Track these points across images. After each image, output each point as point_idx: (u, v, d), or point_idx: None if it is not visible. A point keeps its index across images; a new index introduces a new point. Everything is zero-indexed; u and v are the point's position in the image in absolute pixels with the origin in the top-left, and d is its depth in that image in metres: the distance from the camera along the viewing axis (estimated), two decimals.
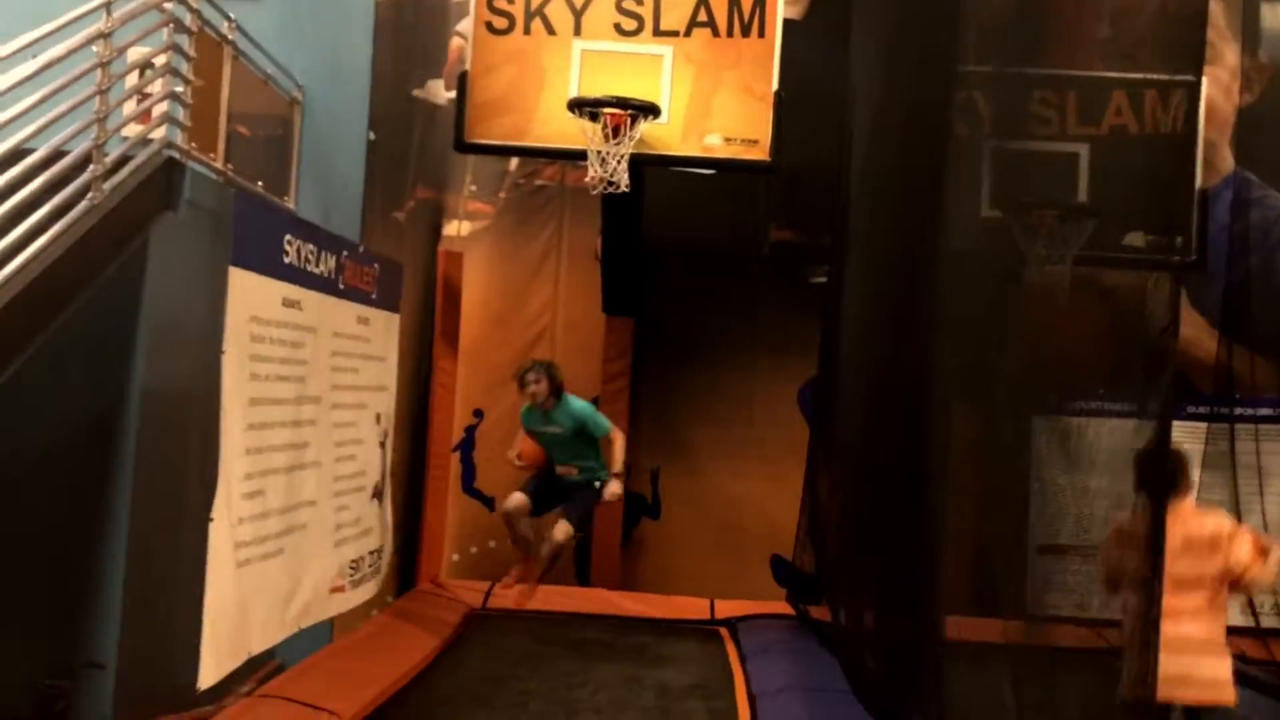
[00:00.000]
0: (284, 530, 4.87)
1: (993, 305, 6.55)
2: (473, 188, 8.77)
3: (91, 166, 4.51)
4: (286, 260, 4.83)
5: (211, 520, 4.13)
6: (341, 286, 5.59)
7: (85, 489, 4.93)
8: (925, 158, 5.08)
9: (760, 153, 6.43)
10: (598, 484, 6.41)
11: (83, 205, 4.52)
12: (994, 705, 4.47)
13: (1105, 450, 8.29)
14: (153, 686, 5.01)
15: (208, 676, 4.10)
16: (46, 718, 4.78)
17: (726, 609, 7.81)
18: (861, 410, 6.26)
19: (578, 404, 6.49)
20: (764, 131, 6.41)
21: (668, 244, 8.07)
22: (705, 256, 8.28)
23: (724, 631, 7.49)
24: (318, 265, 5.21)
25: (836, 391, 6.96)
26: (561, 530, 6.30)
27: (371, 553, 6.22)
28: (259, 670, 5.70)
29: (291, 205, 6.49)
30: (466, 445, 8.73)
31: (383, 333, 6.36)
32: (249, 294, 4.42)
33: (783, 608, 7.82)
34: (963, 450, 5.11)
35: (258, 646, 4.61)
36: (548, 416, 6.39)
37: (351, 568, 5.88)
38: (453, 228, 8.68)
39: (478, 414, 8.75)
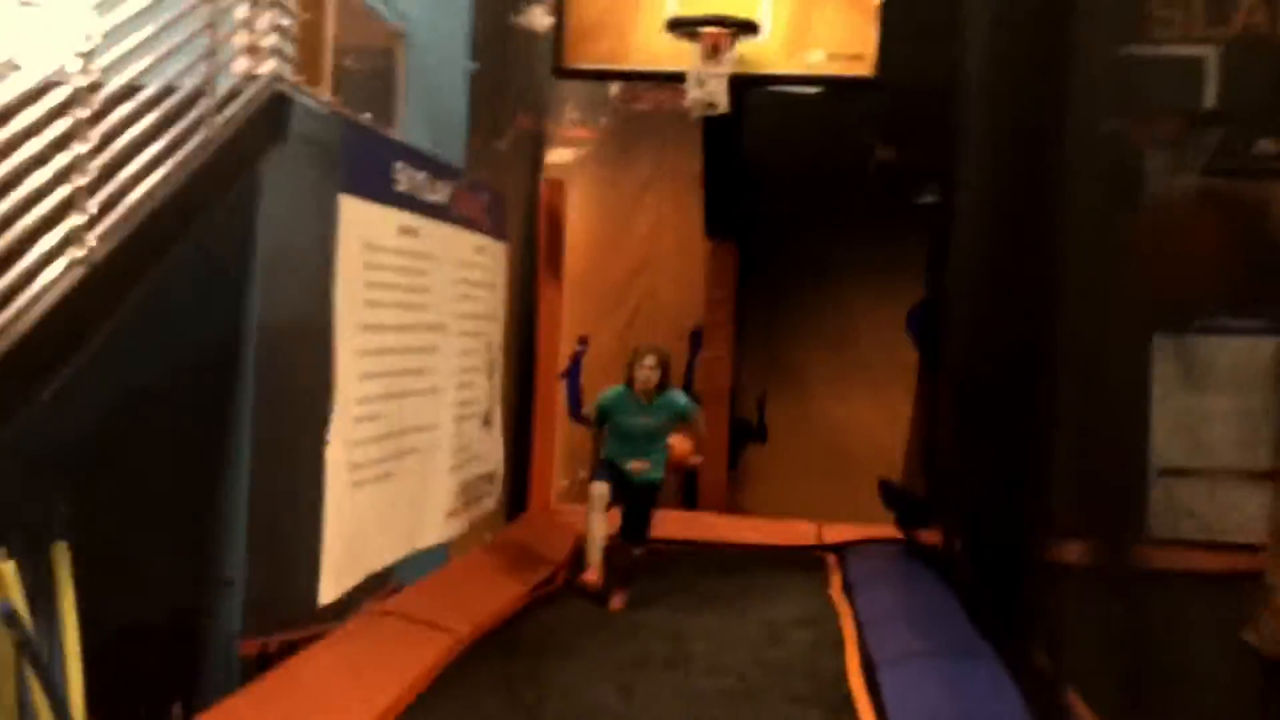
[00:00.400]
0: (400, 454, 4.99)
1: (1115, 219, 6.28)
2: (574, 115, 8.74)
3: (203, 101, 4.56)
4: (398, 188, 4.87)
5: (328, 443, 4.24)
6: (455, 215, 5.64)
7: (209, 415, 5.11)
8: (1044, 66, 4.87)
9: (865, 68, 6.25)
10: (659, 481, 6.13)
11: (196, 140, 4.56)
12: (1112, 632, 4.38)
13: (1231, 370, 7.98)
14: (278, 603, 5.22)
15: (327, 593, 4.24)
16: (181, 632, 5.02)
17: (834, 534, 7.78)
18: (975, 331, 6.11)
19: (680, 396, 6.18)
20: (869, 46, 6.22)
21: (771, 166, 7.94)
22: (810, 178, 8.12)
23: (831, 557, 7.47)
24: (431, 193, 5.25)
25: (947, 313, 6.80)
26: (639, 550, 6.12)
27: (483, 477, 6.35)
28: (378, 590, 5.89)
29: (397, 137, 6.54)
30: (572, 372, 8.80)
31: (494, 261, 6.42)
32: (361, 221, 4.48)
33: (891, 532, 7.75)
34: (1081, 370, 4.95)
35: (376, 565, 4.75)
36: (647, 408, 5.96)
37: (466, 492, 6.02)
38: (554, 156, 8.67)
39: (583, 341, 8.80)
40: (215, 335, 5.11)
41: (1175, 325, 7.98)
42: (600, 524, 5.91)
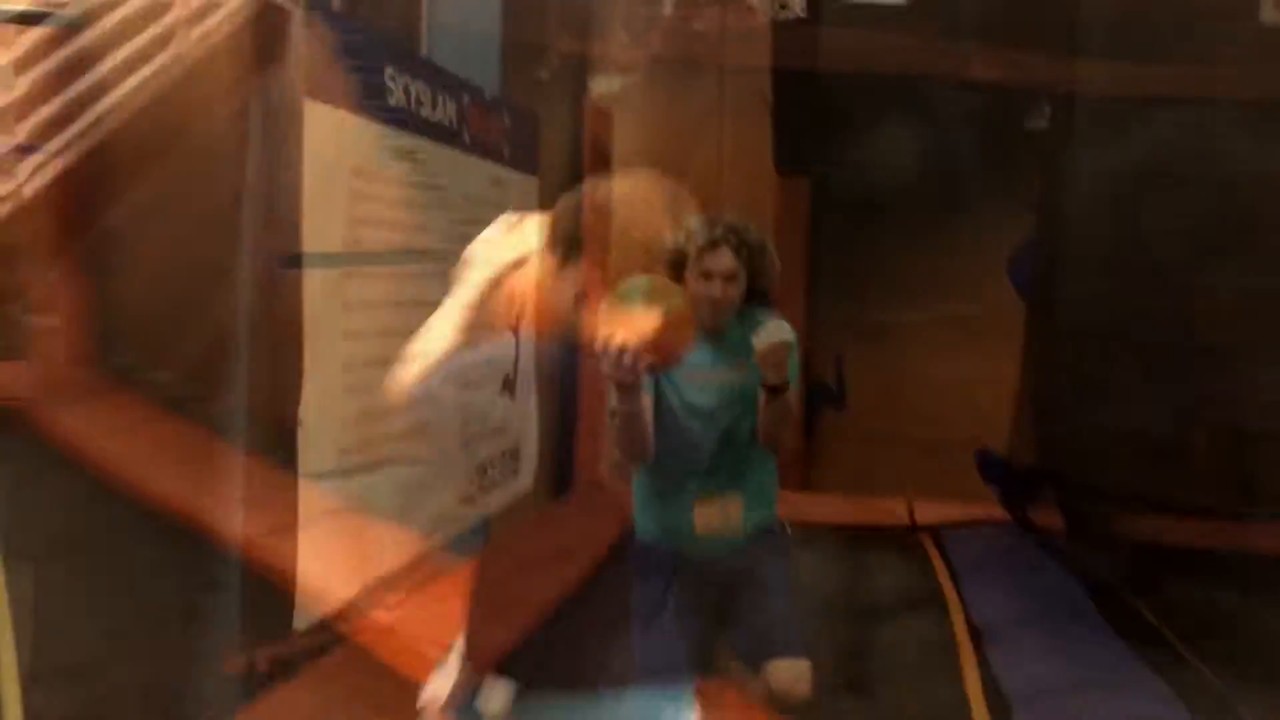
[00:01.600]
0: (401, 432, 4.08)
1: None
2: (623, 36, 7.76)
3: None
4: (392, 101, 3.93)
5: (300, 424, 3.34)
6: (467, 140, 4.69)
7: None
8: None
9: None
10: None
11: (161, 59, 3.77)
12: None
13: None
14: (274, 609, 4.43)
15: (302, 617, 3.34)
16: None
17: (928, 513, 6.81)
18: (1105, 274, 5.09)
19: (782, 321, 2.74)
20: None
21: (850, 88, 6.89)
22: (896, 101, 7.04)
23: (926, 539, 6.50)
24: (434, 110, 4.31)
25: (1064, 255, 5.77)
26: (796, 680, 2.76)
27: (504, 454, 5.40)
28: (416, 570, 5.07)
29: None
30: None
31: (519, 199, 5.46)
32: (340, 138, 3.54)
33: (995, 511, 6.77)
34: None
35: (372, 574, 3.86)
36: (721, 344, 2.80)
37: (480, 472, 5.09)
38: (600, 84, 7.70)
39: None
40: None
41: None
42: None
